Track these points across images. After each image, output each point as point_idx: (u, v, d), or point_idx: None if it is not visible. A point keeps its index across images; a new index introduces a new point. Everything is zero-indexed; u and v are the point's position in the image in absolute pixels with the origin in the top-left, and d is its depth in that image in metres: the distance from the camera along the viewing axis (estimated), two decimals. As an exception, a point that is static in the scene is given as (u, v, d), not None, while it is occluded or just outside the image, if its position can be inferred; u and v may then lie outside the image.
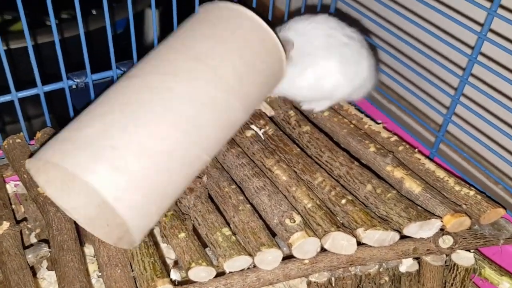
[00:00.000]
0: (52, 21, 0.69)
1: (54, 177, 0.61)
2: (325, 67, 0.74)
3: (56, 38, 0.71)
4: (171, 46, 0.66)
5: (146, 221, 0.57)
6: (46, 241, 0.66)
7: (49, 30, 0.97)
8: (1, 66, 0.69)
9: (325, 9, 0.92)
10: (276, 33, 0.69)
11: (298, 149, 0.74)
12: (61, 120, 0.79)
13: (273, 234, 0.62)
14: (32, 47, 0.69)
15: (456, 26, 0.73)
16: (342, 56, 0.74)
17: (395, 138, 0.76)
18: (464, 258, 0.64)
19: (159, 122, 0.58)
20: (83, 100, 0.78)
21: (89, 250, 0.73)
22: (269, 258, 0.59)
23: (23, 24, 0.66)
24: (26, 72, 0.76)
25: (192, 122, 0.60)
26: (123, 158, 0.55)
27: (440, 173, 0.69)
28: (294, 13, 0.86)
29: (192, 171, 0.62)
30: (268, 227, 0.62)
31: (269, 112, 0.80)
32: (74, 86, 0.78)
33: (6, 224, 0.62)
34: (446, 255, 0.65)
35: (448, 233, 0.62)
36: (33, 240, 0.72)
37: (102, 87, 0.76)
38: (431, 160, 0.72)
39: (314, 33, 0.74)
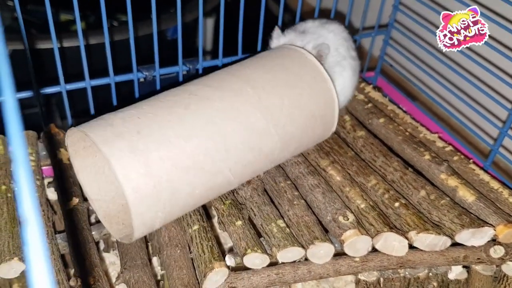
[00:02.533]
0: (130, 22, 0.75)
1: (88, 163, 0.64)
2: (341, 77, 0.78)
3: (131, 36, 0.76)
4: (231, 68, 0.70)
5: (150, 222, 0.58)
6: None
7: (122, 29, 1.04)
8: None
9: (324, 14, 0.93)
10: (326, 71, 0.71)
11: (353, 152, 0.75)
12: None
13: (325, 231, 0.63)
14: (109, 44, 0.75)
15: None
16: (354, 69, 0.80)
17: (450, 148, 0.76)
18: (515, 270, 0.64)
19: (195, 132, 0.60)
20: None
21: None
22: (321, 252, 0.61)
23: (104, 24, 0.73)
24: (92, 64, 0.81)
25: (225, 138, 0.61)
26: (153, 160, 0.56)
27: (494, 184, 0.69)
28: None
29: (214, 187, 0.62)
30: (320, 224, 0.64)
31: None
32: (142, 79, 0.82)
33: (75, 200, 0.66)
34: (496, 266, 0.65)
35: (500, 244, 0.63)
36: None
37: (166, 82, 0.80)
38: (486, 171, 0.72)
39: (333, 41, 0.77)
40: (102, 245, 0.79)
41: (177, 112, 0.61)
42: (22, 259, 0.61)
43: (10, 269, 0.60)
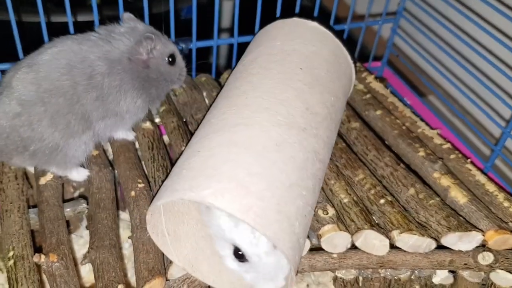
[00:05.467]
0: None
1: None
2: None
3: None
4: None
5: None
6: (86, 199, 0.68)
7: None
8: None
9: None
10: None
11: (344, 144, 0.72)
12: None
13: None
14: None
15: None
16: None
17: (448, 145, 0.72)
18: (504, 279, 0.60)
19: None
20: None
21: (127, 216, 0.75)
22: (296, 246, 0.58)
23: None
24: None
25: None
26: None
27: (490, 187, 0.65)
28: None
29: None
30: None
31: None
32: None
33: (50, 175, 0.64)
34: (485, 273, 0.61)
35: (490, 250, 0.59)
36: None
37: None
38: (483, 173, 0.68)
39: None
40: (84, 223, 0.78)
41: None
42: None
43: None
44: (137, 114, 0.69)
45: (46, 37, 0.74)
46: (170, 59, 0.70)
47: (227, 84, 0.66)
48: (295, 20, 0.73)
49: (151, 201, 0.55)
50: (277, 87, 0.60)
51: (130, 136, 0.72)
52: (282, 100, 0.59)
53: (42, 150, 0.62)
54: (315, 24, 0.72)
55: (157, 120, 0.77)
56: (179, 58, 0.72)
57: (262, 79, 0.62)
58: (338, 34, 0.73)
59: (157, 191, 0.56)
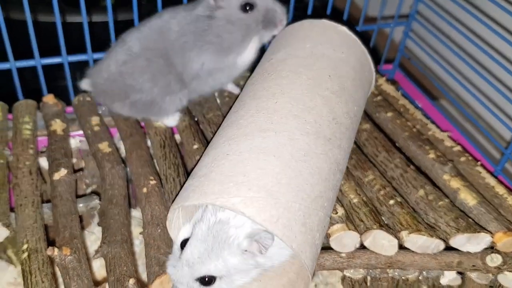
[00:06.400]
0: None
1: None
2: None
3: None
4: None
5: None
6: (99, 195, 0.69)
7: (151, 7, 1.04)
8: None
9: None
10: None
11: (354, 145, 0.72)
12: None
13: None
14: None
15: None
16: None
17: (458, 148, 0.72)
18: (512, 281, 0.61)
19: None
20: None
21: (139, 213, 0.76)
22: (305, 244, 0.58)
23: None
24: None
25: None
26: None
27: (500, 189, 0.65)
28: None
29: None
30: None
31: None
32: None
33: (64, 171, 0.66)
34: (493, 275, 0.61)
35: (498, 252, 0.59)
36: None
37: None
38: (493, 175, 0.68)
39: None
40: (96, 220, 0.79)
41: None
42: (6, 225, 0.61)
43: (-6, 234, 0.61)
44: (221, 71, 0.73)
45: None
46: (247, 7, 0.70)
47: (254, 83, 0.66)
48: (324, 22, 0.73)
49: (174, 199, 0.55)
50: (306, 94, 0.61)
51: (236, 90, 0.80)
52: (311, 108, 0.59)
53: (141, 101, 0.71)
54: (344, 28, 0.72)
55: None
56: (262, 3, 0.71)
57: (291, 84, 0.62)
58: (364, 40, 0.73)
59: (180, 188, 0.56)
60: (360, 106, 0.68)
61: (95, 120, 0.75)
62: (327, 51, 0.68)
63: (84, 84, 0.74)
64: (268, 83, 0.64)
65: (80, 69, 0.79)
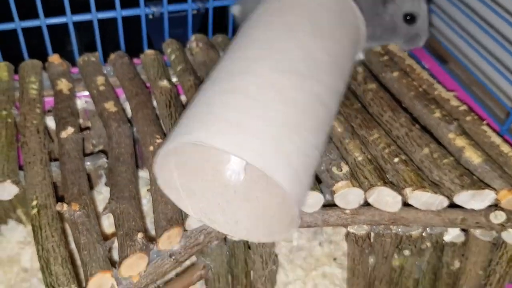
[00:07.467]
0: None
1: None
2: None
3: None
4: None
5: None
6: (106, 154, 0.70)
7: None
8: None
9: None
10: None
11: (359, 105, 0.72)
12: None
13: (319, 182, 0.62)
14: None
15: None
16: None
17: (464, 107, 0.72)
18: (515, 238, 0.61)
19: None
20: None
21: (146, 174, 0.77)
22: (310, 201, 0.59)
23: None
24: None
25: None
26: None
27: (505, 148, 0.65)
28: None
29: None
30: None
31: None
32: (150, 16, 0.81)
33: (70, 129, 0.66)
34: (496, 232, 0.62)
35: (502, 209, 0.59)
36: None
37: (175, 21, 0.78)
38: (499, 135, 0.68)
39: None
40: (104, 180, 0.80)
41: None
42: (15, 182, 0.62)
43: (3, 191, 0.62)
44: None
45: None
46: (408, 17, 0.76)
47: (232, 41, 0.67)
48: None
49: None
50: (278, 38, 0.61)
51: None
52: (282, 49, 0.59)
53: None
54: None
55: (174, 79, 0.78)
56: (421, 24, 0.78)
57: (263, 33, 0.62)
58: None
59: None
60: (344, 45, 0.67)
61: (100, 79, 0.76)
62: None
63: (235, 10, 0.79)
64: (240, 39, 0.64)
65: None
